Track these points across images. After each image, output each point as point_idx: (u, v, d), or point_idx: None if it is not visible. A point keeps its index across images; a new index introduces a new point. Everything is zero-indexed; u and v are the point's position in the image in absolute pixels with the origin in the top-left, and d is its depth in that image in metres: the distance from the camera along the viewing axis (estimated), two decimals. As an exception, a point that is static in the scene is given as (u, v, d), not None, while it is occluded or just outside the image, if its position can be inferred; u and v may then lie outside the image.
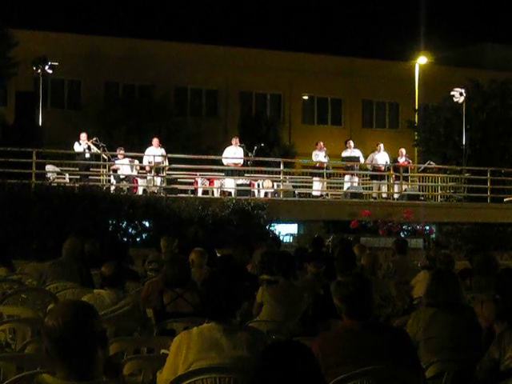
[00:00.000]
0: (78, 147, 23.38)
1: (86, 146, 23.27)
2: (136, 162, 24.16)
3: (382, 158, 26.42)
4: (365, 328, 5.06)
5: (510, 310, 6.09)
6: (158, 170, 23.62)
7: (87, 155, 23.40)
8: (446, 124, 33.61)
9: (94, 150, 23.40)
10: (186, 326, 6.30)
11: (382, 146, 26.63)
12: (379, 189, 26.98)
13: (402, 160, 26.89)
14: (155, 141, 24.00)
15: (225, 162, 24.51)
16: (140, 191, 23.32)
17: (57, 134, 28.53)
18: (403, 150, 27.31)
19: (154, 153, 23.81)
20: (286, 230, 24.50)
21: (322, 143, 26.07)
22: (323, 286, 8.21)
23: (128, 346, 6.04)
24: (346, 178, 26.69)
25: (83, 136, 23.45)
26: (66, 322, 3.50)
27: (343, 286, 5.19)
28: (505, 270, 7.70)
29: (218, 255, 11.47)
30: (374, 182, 27.13)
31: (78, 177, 23.37)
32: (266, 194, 25.10)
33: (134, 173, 24.12)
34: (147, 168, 23.93)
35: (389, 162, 26.55)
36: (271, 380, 3.40)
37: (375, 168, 26.58)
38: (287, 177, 26.77)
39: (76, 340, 3.49)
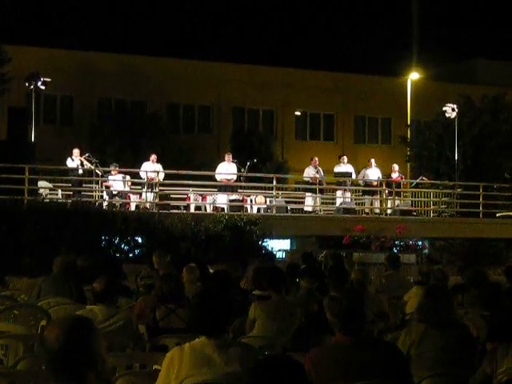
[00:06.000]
0: (70, 163, 23.37)
1: (78, 162, 23.25)
2: (128, 177, 24.16)
3: (373, 173, 26.41)
4: (357, 343, 5.06)
5: (500, 325, 6.10)
6: (151, 185, 23.59)
7: (80, 171, 23.40)
8: (438, 139, 33.70)
9: (87, 165, 23.40)
10: (178, 342, 6.29)
11: (373, 161, 26.62)
12: (372, 204, 26.99)
13: (395, 176, 26.92)
14: (153, 157, 24.03)
15: (218, 177, 24.51)
16: (133, 207, 23.32)
17: (49, 150, 28.45)
18: (396, 166, 27.34)
19: (149, 168, 23.79)
20: (278, 246, 24.50)
21: (316, 159, 25.91)
22: (317, 302, 8.20)
23: (120, 362, 6.04)
24: (339, 193, 26.66)
25: (75, 152, 23.45)
26: (60, 336, 3.52)
27: (336, 302, 5.19)
28: (492, 284, 7.69)
29: (211, 271, 11.46)
30: (367, 197, 27.12)
31: (71, 193, 23.37)
32: (258, 209, 25.10)
33: (127, 189, 24.11)
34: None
35: (381, 178, 26.55)
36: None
37: (367, 183, 26.59)
38: (280, 192, 26.75)
39: (67, 355, 3.49)
